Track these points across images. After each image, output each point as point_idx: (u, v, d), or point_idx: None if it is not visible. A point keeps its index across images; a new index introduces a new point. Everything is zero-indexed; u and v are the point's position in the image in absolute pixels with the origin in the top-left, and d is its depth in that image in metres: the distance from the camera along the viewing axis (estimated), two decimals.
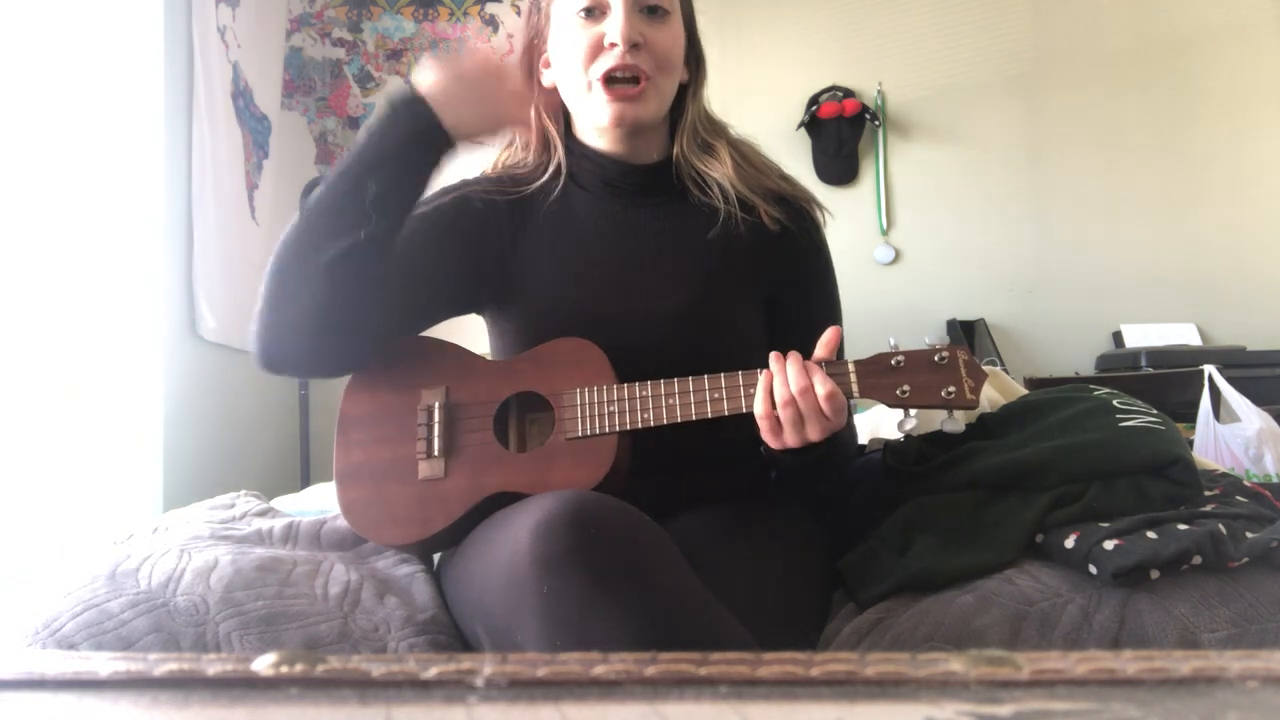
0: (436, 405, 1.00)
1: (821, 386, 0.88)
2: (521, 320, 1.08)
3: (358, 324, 0.98)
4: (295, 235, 0.95)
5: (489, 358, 1.12)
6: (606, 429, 0.96)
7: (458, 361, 1.04)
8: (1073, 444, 1.04)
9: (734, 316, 1.09)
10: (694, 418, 0.94)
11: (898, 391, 0.90)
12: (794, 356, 0.91)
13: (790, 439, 0.90)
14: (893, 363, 0.91)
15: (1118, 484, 1.01)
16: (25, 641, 0.87)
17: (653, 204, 1.12)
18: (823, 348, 0.92)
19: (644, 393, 0.95)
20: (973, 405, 0.90)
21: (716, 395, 0.94)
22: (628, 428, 0.95)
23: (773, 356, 0.92)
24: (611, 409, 0.96)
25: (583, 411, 0.96)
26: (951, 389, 0.90)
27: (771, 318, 1.13)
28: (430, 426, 1.00)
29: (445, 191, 1.11)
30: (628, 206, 1.11)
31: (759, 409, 0.91)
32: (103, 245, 1.81)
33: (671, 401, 0.95)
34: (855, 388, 0.91)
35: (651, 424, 0.95)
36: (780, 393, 0.89)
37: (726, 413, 0.94)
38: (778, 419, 0.90)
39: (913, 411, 0.91)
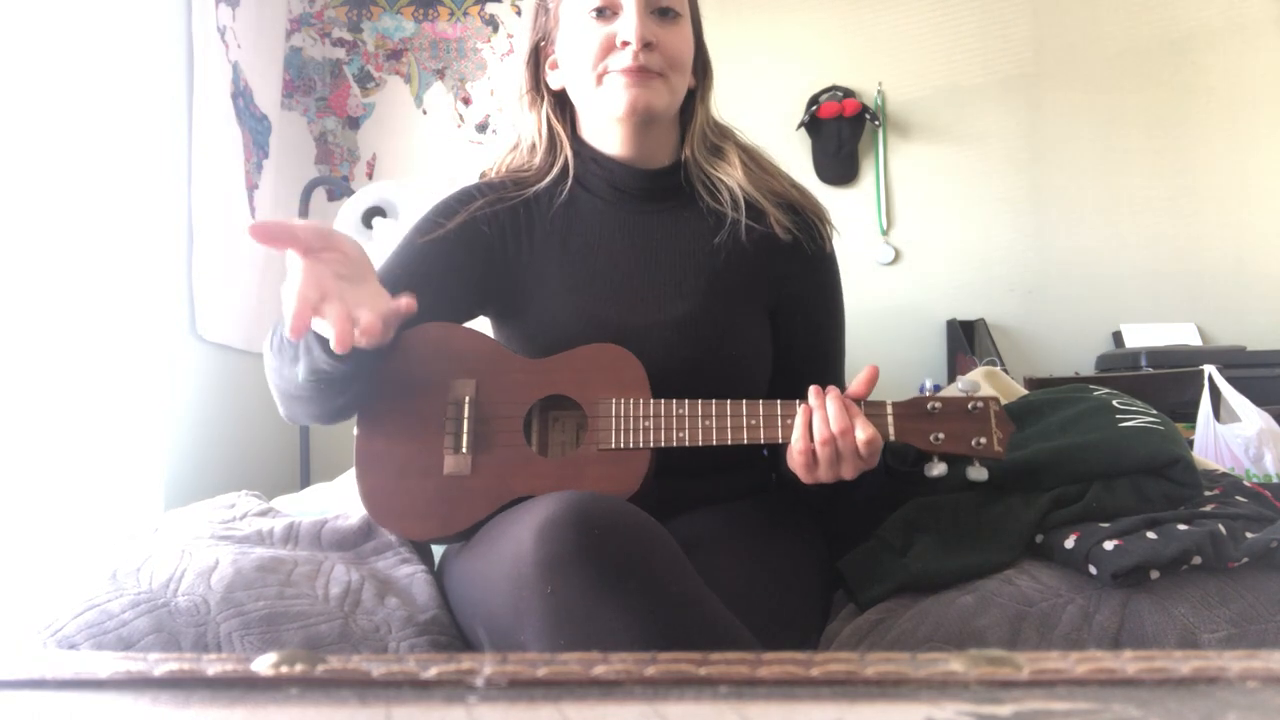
0: (467, 399, 0.98)
1: (863, 431, 0.87)
2: (527, 327, 1.07)
3: (357, 409, 1.02)
4: (274, 379, 1.00)
5: None
6: (640, 444, 0.94)
7: (491, 355, 1.02)
8: (1073, 444, 1.04)
9: (740, 324, 1.08)
10: (729, 442, 0.93)
11: (932, 438, 0.90)
12: (834, 393, 0.90)
13: (824, 475, 0.90)
14: (929, 408, 0.92)
15: (1118, 484, 1.00)
16: (26, 641, 0.87)
17: (660, 209, 1.11)
18: (861, 384, 0.91)
19: (680, 411, 0.94)
20: (999, 458, 0.91)
21: (754, 422, 0.93)
22: (661, 444, 0.94)
23: (812, 391, 0.91)
24: (646, 424, 0.95)
25: (617, 424, 0.95)
26: (982, 439, 0.90)
27: (774, 328, 1.12)
28: (460, 421, 0.97)
29: (450, 212, 1.10)
30: (635, 212, 1.10)
31: (797, 444, 0.90)
32: (103, 245, 1.81)
33: (708, 424, 0.94)
34: (892, 430, 0.91)
35: (686, 443, 0.94)
36: (820, 431, 0.88)
37: (762, 441, 0.93)
38: (814, 454, 0.89)
39: (939, 458, 0.91)
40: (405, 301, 0.86)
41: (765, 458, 1.15)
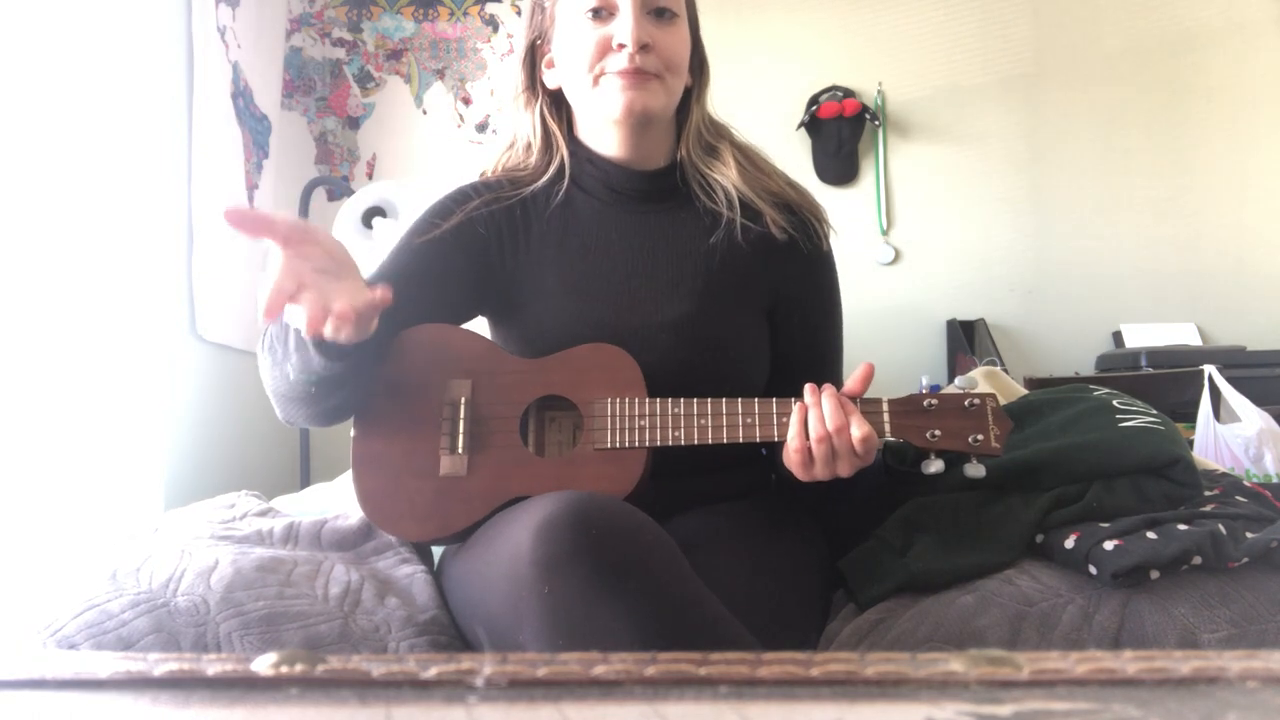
0: (463, 400, 0.98)
1: (858, 429, 0.87)
2: (524, 328, 1.07)
3: (353, 410, 1.01)
4: (268, 379, 1.00)
5: None
6: (636, 443, 0.95)
7: (487, 355, 1.02)
8: (1073, 444, 1.04)
9: (737, 326, 1.08)
10: (725, 441, 0.93)
11: (928, 435, 0.90)
12: (829, 391, 0.90)
13: (820, 473, 0.90)
14: (925, 404, 0.92)
15: (1118, 484, 1.00)
16: (26, 641, 0.87)
17: (656, 210, 1.10)
18: (856, 382, 0.91)
19: (676, 410, 0.94)
20: (996, 454, 0.91)
21: (749, 420, 0.93)
22: (657, 443, 0.94)
23: (808, 388, 0.91)
24: (642, 423, 0.95)
25: (613, 423, 0.95)
26: (979, 436, 0.90)
27: (772, 328, 1.12)
28: (455, 421, 0.97)
29: (446, 212, 1.09)
30: (631, 213, 1.10)
31: (793, 442, 0.90)
32: (103, 245, 1.81)
33: (704, 422, 0.94)
34: (888, 427, 0.91)
35: (682, 442, 0.94)
36: (815, 429, 0.88)
37: (758, 439, 0.93)
38: (810, 452, 0.89)
39: (936, 455, 0.91)
40: (381, 293, 0.85)
41: (764, 456, 1.15)
